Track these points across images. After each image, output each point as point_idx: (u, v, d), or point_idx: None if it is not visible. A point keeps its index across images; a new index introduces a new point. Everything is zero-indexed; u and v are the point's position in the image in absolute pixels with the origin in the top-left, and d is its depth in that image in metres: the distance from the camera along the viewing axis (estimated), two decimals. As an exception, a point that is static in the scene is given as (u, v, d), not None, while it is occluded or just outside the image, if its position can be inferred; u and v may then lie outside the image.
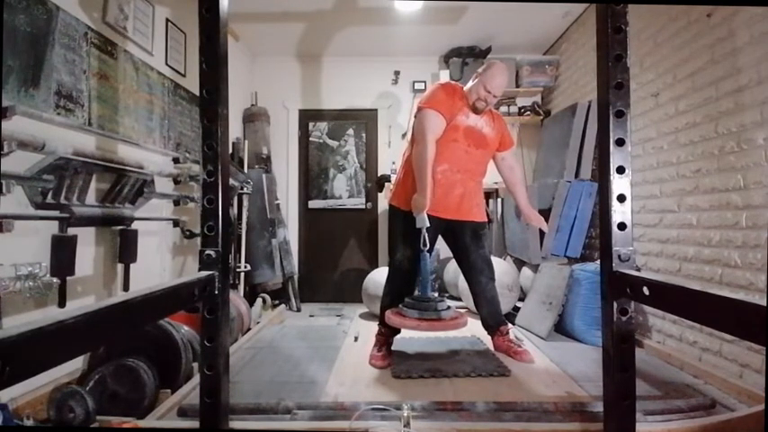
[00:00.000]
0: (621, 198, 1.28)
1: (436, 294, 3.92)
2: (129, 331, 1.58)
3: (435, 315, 2.03)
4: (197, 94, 1.58)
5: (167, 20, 2.85)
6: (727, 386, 1.93)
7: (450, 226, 2.34)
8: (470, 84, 2.33)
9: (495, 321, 2.42)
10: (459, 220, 2.31)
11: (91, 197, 2.12)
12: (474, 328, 2.62)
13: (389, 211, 2.46)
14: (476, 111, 2.29)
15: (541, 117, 4.33)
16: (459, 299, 3.63)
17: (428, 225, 2.09)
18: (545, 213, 3.33)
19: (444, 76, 4.25)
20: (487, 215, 4.28)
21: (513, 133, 4.48)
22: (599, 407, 1.51)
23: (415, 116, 2.32)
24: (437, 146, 2.20)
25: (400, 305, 2.15)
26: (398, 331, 2.44)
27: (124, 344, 1.92)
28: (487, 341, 2.52)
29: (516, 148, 4.50)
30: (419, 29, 3.87)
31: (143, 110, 2.57)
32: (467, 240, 2.35)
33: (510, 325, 2.60)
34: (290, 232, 4.39)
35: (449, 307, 2.10)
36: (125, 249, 2.27)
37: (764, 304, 0.76)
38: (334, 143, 4.63)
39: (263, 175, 3.89)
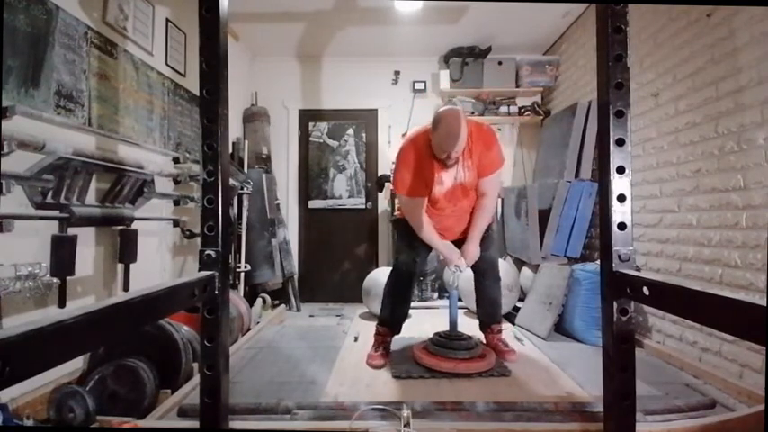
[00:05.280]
0: (621, 198, 1.28)
1: (436, 295, 3.99)
2: (129, 331, 1.58)
3: (468, 354, 2.12)
4: (197, 94, 1.58)
5: (167, 20, 2.85)
6: (727, 386, 1.93)
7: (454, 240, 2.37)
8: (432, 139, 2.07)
9: (489, 320, 2.44)
10: (462, 238, 2.32)
11: (91, 197, 2.11)
12: (475, 329, 2.61)
13: (394, 222, 2.50)
14: (451, 164, 2.09)
15: (541, 117, 4.34)
16: (459, 299, 3.63)
17: (463, 271, 2.22)
18: (545, 213, 3.34)
19: (444, 76, 4.26)
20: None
21: (512, 133, 4.54)
22: (599, 407, 1.51)
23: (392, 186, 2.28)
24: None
25: (429, 342, 2.24)
26: (397, 331, 2.44)
27: (124, 344, 1.92)
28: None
29: (516, 147, 4.54)
30: (419, 29, 3.87)
31: (143, 110, 2.57)
32: None
33: (504, 325, 2.61)
34: (290, 232, 4.39)
35: (477, 344, 2.22)
36: (125, 249, 2.27)
37: (764, 304, 0.76)
38: (334, 143, 4.63)
39: (263, 175, 3.89)
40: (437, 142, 2.02)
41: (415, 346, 2.31)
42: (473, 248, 2.22)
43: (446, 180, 2.14)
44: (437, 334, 2.26)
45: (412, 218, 2.21)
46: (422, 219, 2.18)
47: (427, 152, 2.10)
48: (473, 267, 2.37)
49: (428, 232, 2.20)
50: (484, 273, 2.39)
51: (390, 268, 2.49)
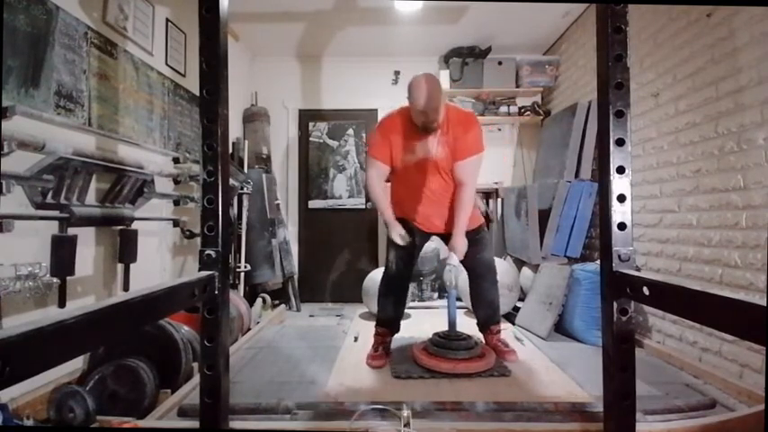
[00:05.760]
0: (621, 198, 1.28)
1: (435, 295, 3.99)
2: (129, 331, 1.57)
3: (468, 354, 2.13)
4: (197, 94, 1.58)
5: (167, 20, 2.85)
6: (727, 386, 1.93)
7: (444, 235, 2.38)
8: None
9: (488, 321, 2.42)
10: (450, 232, 2.31)
11: (91, 197, 2.11)
12: (474, 329, 2.61)
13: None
14: (429, 130, 2.14)
15: (541, 117, 4.34)
16: (459, 299, 3.63)
17: (406, 242, 2.20)
18: (545, 213, 3.34)
19: (444, 76, 4.26)
20: (487, 215, 4.31)
21: (512, 133, 4.54)
22: (599, 407, 1.51)
23: None
24: (399, 188, 2.30)
25: (428, 342, 2.24)
26: (396, 330, 2.44)
27: (124, 344, 1.92)
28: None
29: (516, 147, 4.54)
30: (419, 29, 3.87)
31: (143, 110, 2.57)
32: None
33: (504, 325, 2.60)
34: (290, 232, 4.39)
35: (477, 343, 2.21)
36: (125, 249, 2.27)
37: (764, 304, 0.76)
38: (334, 143, 4.63)
39: (263, 175, 3.89)
40: (414, 103, 2.08)
41: (415, 346, 2.31)
42: (460, 242, 2.19)
43: (418, 150, 2.19)
44: (436, 334, 2.26)
45: (369, 183, 2.27)
46: (377, 186, 2.24)
47: (408, 123, 2.18)
48: (470, 271, 2.35)
49: (380, 199, 2.25)
50: (482, 276, 2.36)
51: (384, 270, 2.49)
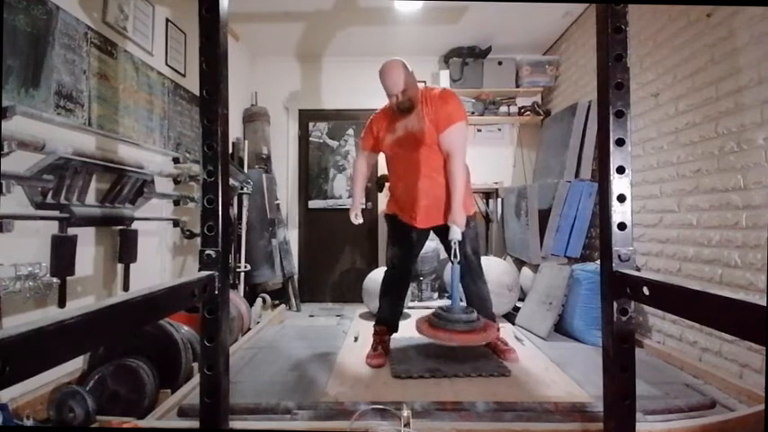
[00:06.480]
0: (621, 198, 1.28)
1: (435, 295, 3.99)
2: (129, 331, 1.58)
3: (467, 327, 2.11)
4: (197, 94, 1.58)
5: (167, 20, 2.85)
6: (727, 386, 1.93)
7: (435, 229, 2.38)
8: None
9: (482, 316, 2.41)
10: (438, 225, 2.32)
11: (91, 197, 2.11)
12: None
13: (385, 217, 2.59)
14: (405, 111, 2.25)
15: (541, 117, 4.34)
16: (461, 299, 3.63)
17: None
18: (545, 213, 3.34)
19: (444, 76, 4.26)
20: (487, 215, 4.31)
21: (512, 133, 4.54)
22: (599, 407, 1.51)
23: None
24: (393, 177, 2.46)
25: (431, 315, 2.24)
26: (395, 330, 2.44)
27: (124, 344, 1.92)
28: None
29: (516, 147, 4.54)
30: (419, 29, 3.87)
31: (143, 110, 2.57)
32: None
33: (504, 324, 2.59)
34: (290, 232, 4.39)
35: (478, 318, 2.20)
36: (125, 249, 2.27)
37: (764, 304, 0.76)
38: (334, 143, 4.63)
39: (263, 175, 3.89)
40: (384, 87, 2.23)
41: (419, 318, 2.28)
42: (458, 214, 2.20)
43: (399, 129, 2.31)
44: (440, 307, 2.25)
45: (354, 166, 2.57)
46: (359, 167, 2.55)
47: (391, 111, 2.34)
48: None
49: (358, 180, 2.57)
50: (467, 270, 2.34)
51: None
